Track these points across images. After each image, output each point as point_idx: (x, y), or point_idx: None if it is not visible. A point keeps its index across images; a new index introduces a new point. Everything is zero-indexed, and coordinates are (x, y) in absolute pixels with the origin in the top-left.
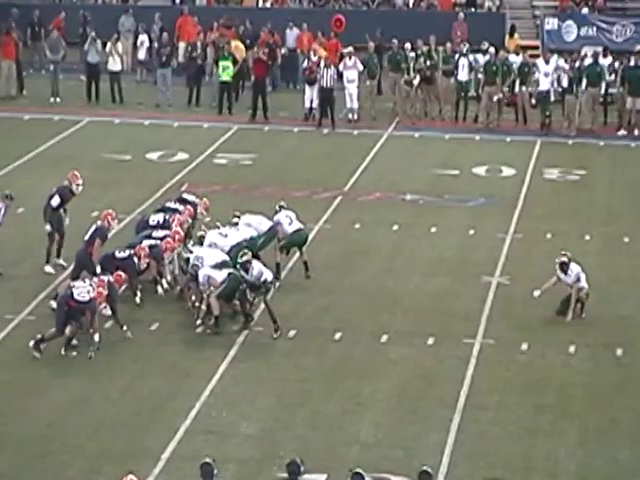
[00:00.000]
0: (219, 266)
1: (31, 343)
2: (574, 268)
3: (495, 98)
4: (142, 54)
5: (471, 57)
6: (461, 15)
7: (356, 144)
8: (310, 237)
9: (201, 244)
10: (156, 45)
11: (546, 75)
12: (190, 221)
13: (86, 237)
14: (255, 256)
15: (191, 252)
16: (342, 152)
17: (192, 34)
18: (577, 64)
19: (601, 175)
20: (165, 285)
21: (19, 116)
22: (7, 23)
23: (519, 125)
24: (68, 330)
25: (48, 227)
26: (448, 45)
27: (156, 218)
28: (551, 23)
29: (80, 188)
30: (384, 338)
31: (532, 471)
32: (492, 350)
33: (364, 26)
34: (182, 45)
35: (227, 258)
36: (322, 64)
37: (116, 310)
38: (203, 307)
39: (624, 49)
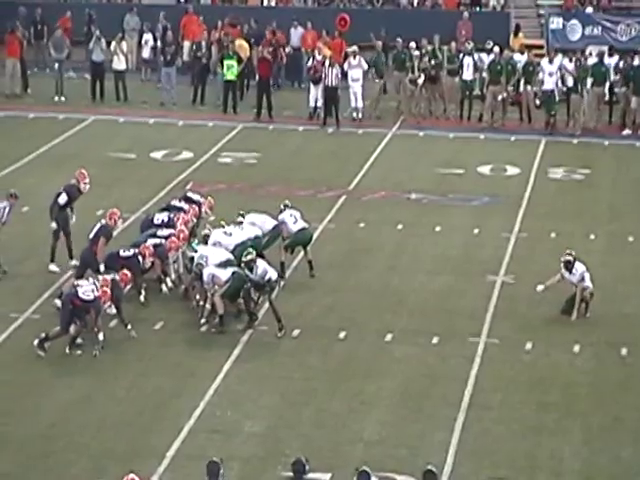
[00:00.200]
0: (223, 265)
1: (36, 342)
2: (579, 267)
3: (499, 97)
4: (147, 53)
5: (476, 56)
6: (466, 14)
7: (360, 143)
8: (314, 236)
9: (206, 243)
10: (159, 44)
11: (550, 75)
12: (195, 220)
13: (91, 235)
14: (260, 255)
15: (195, 251)
16: (346, 151)
17: (197, 33)
18: (582, 63)
19: (605, 174)
20: (169, 284)
21: (24, 115)
22: (12, 22)
23: (524, 124)
24: (73, 329)
25: (54, 225)
26: (453, 44)
27: (161, 217)
28: (556, 22)
29: (87, 187)
30: (389, 337)
31: (536, 469)
32: (496, 349)
33: (369, 25)
34: (187, 44)
35: (231, 257)
36: (327, 63)
37: (121, 309)
38: (207, 306)
39: (629, 48)
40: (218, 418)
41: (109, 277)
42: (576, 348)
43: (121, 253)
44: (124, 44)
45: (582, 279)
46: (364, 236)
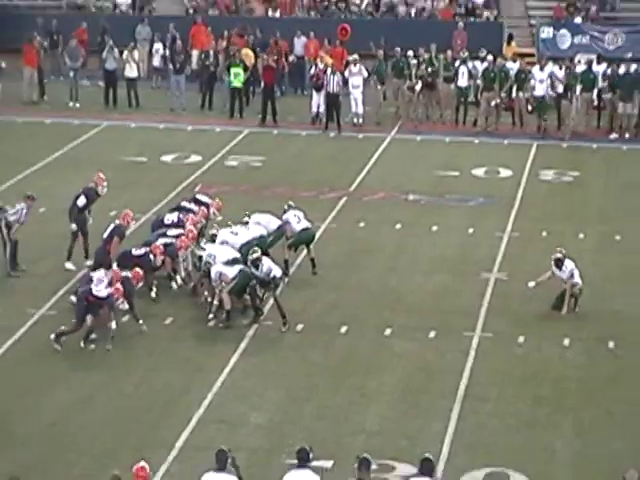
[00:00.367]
0: (230, 263)
1: (52, 336)
2: (568, 264)
3: (493, 103)
4: (157, 61)
5: (470, 64)
6: (461, 24)
7: (361, 147)
8: (317, 235)
9: (213, 242)
10: (168, 52)
11: (541, 81)
12: (204, 221)
13: (105, 235)
14: (265, 253)
15: (204, 250)
16: (347, 154)
17: (205, 42)
18: (571, 70)
19: (594, 176)
20: (179, 281)
21: (40, 120)
22: (30, 32)
23: (516, 128)
24: (87, 324)
25: (74, 226)
26: (448, 53)
27: (171, 217)
28: (546, 32)
29: (105, 190)
30: (388, 332)
31: (530, 460)
32: (490, 343)
33: (369, 35)
34: (195, 53)
35: (238, 255)
36: (328, 71)
37: (133, 305)
38: (215, 302)
39: (616, 56)
40: (225, 410)
41: (122, 273)
42: (566, 342)
43: (133, 252)
44: (136, 53)
45: (571, 276)
46: (364, 235)
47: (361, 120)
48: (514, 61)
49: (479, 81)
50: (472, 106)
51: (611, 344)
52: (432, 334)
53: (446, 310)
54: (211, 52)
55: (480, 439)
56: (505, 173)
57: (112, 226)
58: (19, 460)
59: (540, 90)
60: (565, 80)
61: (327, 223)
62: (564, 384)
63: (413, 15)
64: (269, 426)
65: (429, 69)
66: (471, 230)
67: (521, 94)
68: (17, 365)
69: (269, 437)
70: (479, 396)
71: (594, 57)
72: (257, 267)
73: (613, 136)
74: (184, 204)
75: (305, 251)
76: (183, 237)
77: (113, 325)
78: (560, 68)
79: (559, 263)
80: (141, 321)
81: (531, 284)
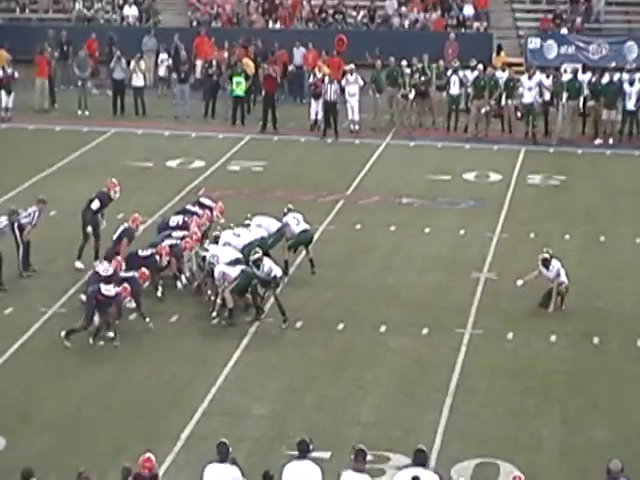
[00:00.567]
0: (233, 263)
1: (63, 333)
2: (555, 264)
3: (483, 110)
4: (162, 71)
5: (461, 73)
6: (452, 35)
7: (357, 152)
8: (315, 237)
9: (216, 243)
10: (172, 62)
11: (530, 89)
12: (208, 224)
13: (114, 237)
14: (266, 254)
15: (207, 251)
16: (344, 160)
17: (208, 53)
18: (557, 79)
19: (580, 180)
20: (184, 281)
21: (51, 127)
22: (41, 44)
23: (505, 135)
24: (96, 321)
25: (90, 229)
26: (441, 62)
27: (176, 219)
28: (534, 42)
29: (117, 195)
30: (384, 329)
31: (519, 448)
32: (481, 339)
33: (364, 45)
34: (199, 63)
35: (240, 256)
36: (326, 80)
37: (140, 303)
38: (218, 300)
39: (600, 66)
40: (228, 402)
41: (129, 273)
42: (553, 337)
43: (140, 253)
44: (142, 63)
45: (558, 275)
46: (361, 237)
47: (357, 127)
48: (503, 70)
49: (470, 89)
50: (463, 113)
51: (596, 339)
52: (425, 330)
53: (439, 307)
54: (214, 62)
55: (472, 429)
56: (495, 177)
57: (122, 228)
58: (33, 448)
59: (529, 98)
60: (552, 88)
61: (325, 225)
62: (551, 377)
63: (407, 26)
64: (271, 417)
65: (422, 78)
66: (462, 231)
67: (510, 102)
68: (30, 360)
69: (271, 428)
70: (470, 388)
71: (579, 66)
72: (258, 267)
73: (597, 142)
74: (189, 207)
75: (304, 252)
76: (188, 239)
77: (116, 322)
78: (547, 77)
79: (546, 263)
80: (148, 319)
81: (519, 282)
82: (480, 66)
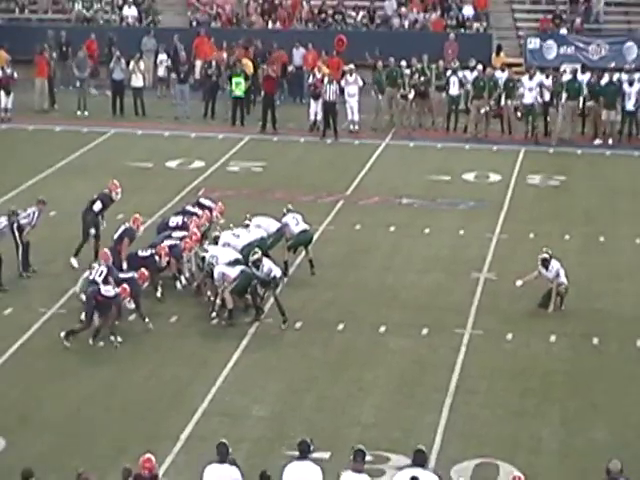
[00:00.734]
0: (232, 264)
1: (62, 334)
2: (554, 264)
3: (483, 110)
4: (162, 71)
5: (461, 74)
6: (452, 36)
7: (357, 153)
8: (315, 237)
9: (216, 244)
10: (172, 63)
11: (530, 90)
12: (207, 224)
13: (115, 237)
14: (265, 254)
15: (207, 251)
16: (344, 160)
17: (208, 53)
18: (557, 79)
19: (579, 181)
20: (183, 281)
21: (51, 128)
22: (41, 44)
23: (504, 135)
24: (96, 322)
25: (93, 230)
26: (440, 63)
27: (175, 220)
28: (533, 42)
29: (119, 196)
30: (383, 329)
31: (518, 449)
32: (481, 340)
33: (364, 46)
34: (199, 63)
35: (240, 256)
36: (326, 80)
37: (139, 304)
38: (218, 301)
39: (599, 66)
40: (228, 403)
41: (128, 274)
42: (552, 338)
43: (139, 253)
44: (142, 64)
45: (557, 275)
46: (360, 237)
47: (357, 127)
48: (502, 70)
49: (469, 90)
50: (463, 113)
51: (595, 340)
52: (425, 331)
53: (438, 308)
54: (214, 63)
55: (472, 429)
56: (494, 178)
57: (122, 228)
58: (33, 448)
59: (529, 98)
60: (552, 88)
61: (325, 225)
62: (551, 377)
63: (406, 27)
64: (270, 418)
65: (422, 78)
66: (462, 232)
67: (509, 102)
68: (30, 360)
69: (270, 429)
70: (470, 389)
71: (579, 67)
72: (258, 268)
73: (597, 142)
74: (188, 208)
75: (304, 252)
76: (187, 239)
77: (116, 322)
78: (547, 77)
79: (546, 263)
80: (147, 319)
81: (518, 283)
82: (480, 66)
